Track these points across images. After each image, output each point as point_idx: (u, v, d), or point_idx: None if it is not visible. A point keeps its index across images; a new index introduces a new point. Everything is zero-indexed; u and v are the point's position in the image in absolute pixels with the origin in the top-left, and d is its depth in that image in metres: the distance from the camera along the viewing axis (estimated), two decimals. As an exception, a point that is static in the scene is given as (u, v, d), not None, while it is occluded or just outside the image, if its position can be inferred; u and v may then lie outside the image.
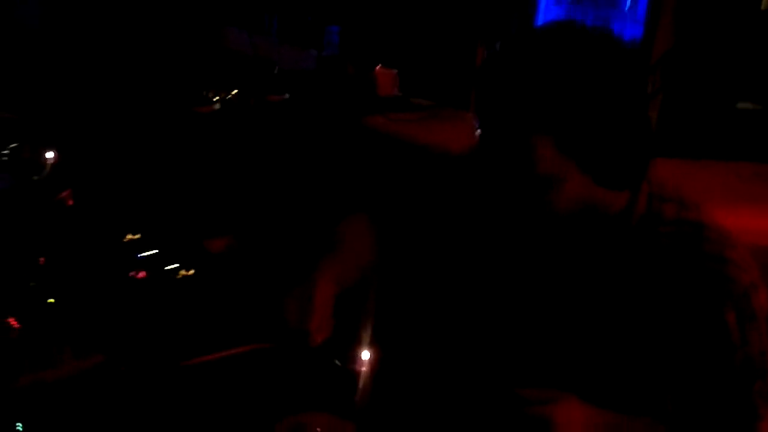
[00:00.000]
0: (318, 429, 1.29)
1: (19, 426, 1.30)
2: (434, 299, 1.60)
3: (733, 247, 1.23)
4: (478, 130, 1.22)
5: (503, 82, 1.16)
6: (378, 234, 1.53)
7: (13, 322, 1.52)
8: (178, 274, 1.73)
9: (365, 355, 1.43)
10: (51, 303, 1.59)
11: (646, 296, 1.24)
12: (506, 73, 1.16)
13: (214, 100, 3.01)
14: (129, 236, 1.85)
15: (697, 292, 1.20)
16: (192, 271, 1.74)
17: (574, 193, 1.18)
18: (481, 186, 1.36)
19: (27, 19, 3.68)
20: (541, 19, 3.60)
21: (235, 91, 3.09)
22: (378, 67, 3.28)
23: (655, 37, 3.27)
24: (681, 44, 3.15)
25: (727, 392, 1.22)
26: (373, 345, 1.43)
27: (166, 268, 1.74)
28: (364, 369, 1.41)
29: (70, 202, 2.03)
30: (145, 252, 1.80)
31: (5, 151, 2.17)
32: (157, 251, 1.79)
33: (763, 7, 3.29)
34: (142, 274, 1.71)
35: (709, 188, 2.46)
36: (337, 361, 1.42)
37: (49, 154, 2.18)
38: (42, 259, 1.73)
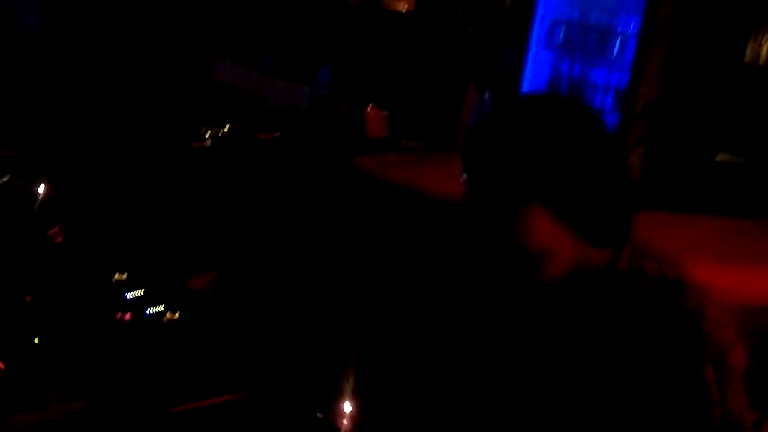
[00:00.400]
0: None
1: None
2: (420, 353, 1.62)
3: (711, 306, 1.26)
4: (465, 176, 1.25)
5: (490, 158, 1.20)
6: (364, 286, 1.55)
7: (-2, 362, 1.53)
8: (164, 317, 1.75)
9: (347, 407, 1.44)
10: (36, 343, 1.60)
11: (629, 352, 1.27)
12: (493, 148, 1.20)
13: (206, 136, 3.04)
14: (117, 276, 1.86)
15: (676, 348, 1.24)
16: (177, 314, 1.75)
17: (567, 257, 1.23)
18: (469, 248, 1.40)
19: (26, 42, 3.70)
20: (530, 63, 3.68)
21: (228, 126, 3.12)
22: (369, 108, 3.32)
23: (640, 86, 3.34)
24: (666, 94, 3.22)
25: None
26: (355, 398, 1.45)
27: (152, 311, 1.75)
28: (345, 422, 1.43)
29: (59, 239, 2.04)
30: (131, 292, 1.81)
31: (-4, 185, 2.18)
32: (143, 292, 1.81)
33: (746, 60, 3.37)
34: (128, 317, 1.72)
35: (693, 245, 2.51)
36: (319, 414, 1.44)
37: (41, 188, 2.20)
38: (29, 297, 1.74)
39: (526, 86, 3.64)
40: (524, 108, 1.27)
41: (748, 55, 3.35)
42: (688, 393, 1.25)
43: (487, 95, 3.12)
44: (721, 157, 3.41)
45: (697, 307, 1.25)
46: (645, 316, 1.26)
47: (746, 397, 1.27)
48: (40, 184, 2.17)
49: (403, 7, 3.77)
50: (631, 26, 3.42)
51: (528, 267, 1.22)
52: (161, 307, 1.77)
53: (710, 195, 3.21)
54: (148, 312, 1.75)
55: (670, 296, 1.27)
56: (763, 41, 3.26)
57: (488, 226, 1.21)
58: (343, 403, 1.45)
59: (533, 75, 3.65)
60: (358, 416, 1.41)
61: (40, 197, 2.15)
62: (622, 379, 1.29)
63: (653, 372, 1.25)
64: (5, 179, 2.23)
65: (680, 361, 1.24)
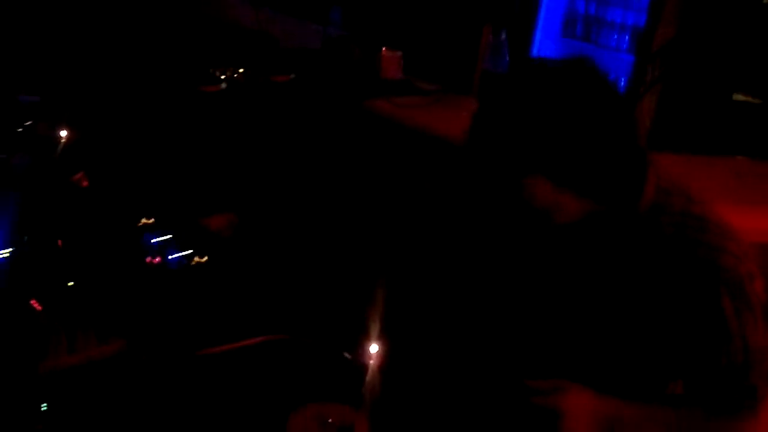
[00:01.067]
0: (330, 419, 1.36)
1: (44, 407, 1.36)
2: (444, 293, 1.67)
3: (733, 240, 1.30)
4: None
5: (496, 125, 1.23)
6: (387, 226, 1.58)
7: (35, 304, 1.58)
8: (192, 261, 1.79)
9: (373, 348, 1.49)
10: (71, 286, 1.64)
11: (649, 284, 1.31)
12: (498, 115, 1.23)
13: (221, 78, 3.03)
14: (144, 221, 1.90)
15: (696, 280, 1.28)
16: (205, 258, 1.79)
17: (574, 210, 1.26)
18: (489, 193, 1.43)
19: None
20: (545, 3, 3.63)
21: (241, 70, 3.11)
22: (383, 50, 3.30)
23: (658, 26, 3.30)
24: (683, 33, 3.18)
25: (727, 377, 1.30)
26: (382, 338, 1.49)
27: (180, 255, 1.79)
28: (372, 362, 1.48)
29: (85, 184, 2.07)
30: (158, 237, 1.85)
31: (20, 129, 2.20)
32: (171, 236, 1.84)
33: (765, 0, 3.32)
34: (157, 260, 1.76)
35: (707, 187, 2.52)
36: (346, 354, 1.49)
37: (63, 132, 2.22)
38: (60, 241, 1.78)
39: (540, 27, 3.61)
40: (529, 80, 1.28)
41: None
42: (707, 325, 1.28)
43: (503, 36, 3.10)
44: (737, 97, 3.38)
45: (719, 242, 1.29)
46: (666, 250, 1.29)
47: (766, 328, 1.31)
48: (62, 129, 2.19)
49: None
50: (649, -35, 3.36)
51: (536, 219, 1.25)
52: (189, 252, 1.81)
53: (726, 136, 3.20)
54: (176, 256, 1.79)
55: (693, 231, 1.29)
56: (783, -20, 3.20)
57: (493, 193, 1.25)
58: (370, 344, 1.50)
59: (548, 15, 3.60)
60: (385, 356, 1.46)
61: (62, 141, 2.17)
62: (642, 311, 1.33)
63: (673, 304, 1.29)
64: (28, 124, 2.25)
65: (699, 294, 1.27)
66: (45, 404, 1.36)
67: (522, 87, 1.26)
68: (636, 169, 1.28)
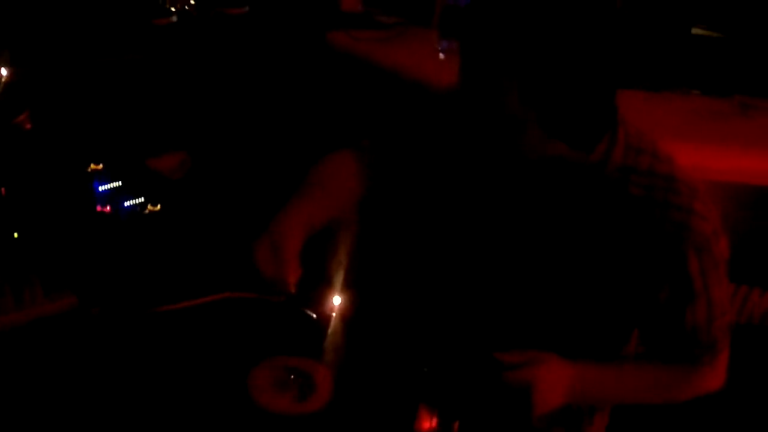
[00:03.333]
0: (292, 374, 1.33)
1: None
2: (409, 239, 1.63)
3: (699, 200, 1.28)
4: (441, 55, 1.24)
5: (481, 21, 1.17)
6: (358, 170, 1.52)
7: (-23, 257, 1.50)
8: (144, 210, 1.71)
9: (336, 300, 1.45)
10: (16, 238, 1.56)
11: (615, 243, 1.30)
12: (483, 11, 1.17)
13: (172, 11, 2.89)
14: (92, 166, 1.81)
15: (663, 241, 1.26)
16: (158, 207, 1.72)
17: (536, 141, 1.21)
18: (455, 125, 1.38)
19: None
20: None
21: (193, 1, 2.96)
22: (342, -20, 3.18)
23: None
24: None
25: (690, 334, 1.32)
26: (346, 290, 1.46)
27: (132, 202, 1.71)
28: (334, 314, 1.44)
29: (28, 126, 1.96)
30: (107, 184, 1.76)
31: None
32: (120, 183, 1.76)
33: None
34: (107, 209, 1.69)
35: (666, 126, 2.51)
36: (309, 312, 1.45)
37: (3, 70, 2.09)
38: (3, 189, 1.69)
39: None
40: None
41: None
42: (673, 285, 1.28)
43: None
44: (696, 31, 3.35)
45: (686, 201, 1.27)
46: (634, 210, 1.27)
47: (728, 284, 1.32)
48: (2, 66, 2.06)
49: None
50: None
51: (503, 132, 1.19)
52: (141, 199, 1.73)
53: (683, 70, 3.18)
54: (127, 205, 1.71)
55: (660, 191, 1.27)
56: None
57: (472, 92, 1.19)
58: (333, 295, 1.46)
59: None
60: (350, 308, 1.42)
61: (3, 80, 2.05)
62: (606, 269, 1.31)
63: (639, 263, 1.28)
64: (-37, 61, 2.11)
65: (665, 254, 1.26)
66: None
67: None
68: (607, 119, 1.23)
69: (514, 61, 1.12)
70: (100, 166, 1.81)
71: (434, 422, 1.25)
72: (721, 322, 1.33)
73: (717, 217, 1.30)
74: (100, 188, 1.73)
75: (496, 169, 1.35)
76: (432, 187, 1.51)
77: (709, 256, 1.27)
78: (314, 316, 1.43)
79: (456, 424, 1.25)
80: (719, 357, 1.37)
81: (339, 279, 1.49)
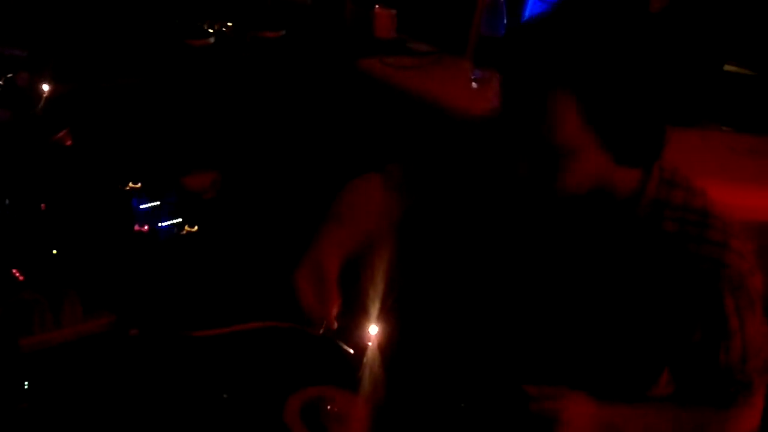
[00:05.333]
0: (328, 406, 1.32)
1: (27, 385, 1.30)
2: (443, 272, 1.62)
3: (734, 236, 1.26)
4: (474, 84, 1.23)
5: (531, 35, 1.15)
6: (386, 194, 1.51)
7: (16, 273, 1.51)
8: (182, 231, 1.72)
9: (373, 329, 1.44)
10: (55, 255, 1.57)
11: (649, 280, 1.28)
12: (535, 27, 1.16)
13: (209, 32, 2.92)
14: (131, 185, 1.82)
15: (697, 277, 1.24)
16: (196, 228, 1.73)
17: (589, 169, 1.19)
18: (489, 153, 1.37)
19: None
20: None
21: (230, 24, 3.00)
22: (376, 7, 3.21)
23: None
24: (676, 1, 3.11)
25: (725, 372, 1.29)
26: (382, 319, 1.44)
27: (170, 222, 1.72)
28: (371, 344, 1.43)
29: (68, 143, 1.98)
30: (146, 203, 1.77)
31: (1, 82, 2.09)
32: (159, 203, 1.77)
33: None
34: (145, 228, 1.69)
35: (704, 164, 2.49)
36: (345, 346, 1.43)
37: (45, 86, 2.12)
38: (42, 205, 1.70)
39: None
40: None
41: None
42: (707, 323, 1.26)
43: (502, -3, 3.00)
44: (729, 68, 3.34)
45: (721, 237, 1.25)
46: (668, 246, 1.25)
47: (764, 322, 1.29)
48: (44, 82, 2.09)
49: None
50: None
51: (549, 166, 1.18)
52: (178, 220, 1.74)
53: (715, 106, 3.17)
54: (165, 224, 1.72)
55: (695, 226, 1.26)
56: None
57: (518, 113, 1.17)
58: (369, 325, 1.45)
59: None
60: (386, 339, 1.41)
61: (44, 96, 2.07)
62: (640, 307, 1.30)
63: (672, 301, 1.26)
64: (9, 76, 2.14)
65: (701, 292, 1.24)
66: (27, 382, 1.30)
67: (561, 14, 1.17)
68: (661, 121, 1.21)
69: (579, 81, 1.10)
70: (139, 184, 1.83)
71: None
72: (756, 362, 1.30)
73: (752, 254, 1.28)
74: (140, 207, 1.74)
75: (530, 201, 1.33)
76: (465, 216, 1.50)
77: (744, 293, 1.25)
78: (351, 351, 1.42)
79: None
80: (754, 398, 1.33)
81: (375, 308, 1.47)
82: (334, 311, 1.28)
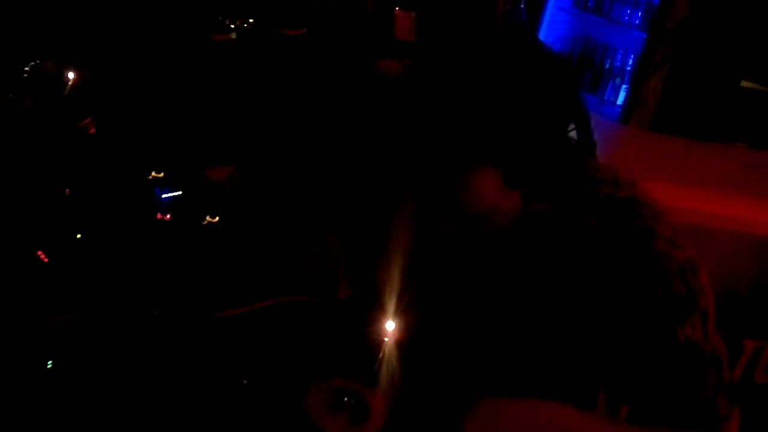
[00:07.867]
0: (347, 398, 1.33)
1: (50, 364, 1.33)
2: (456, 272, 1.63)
3: (664, 223, 1.20)
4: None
5: (432, 114, 1.09)
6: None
7: (41, 255, 1.53)
8: (203, 221, 1.74)
9: (390, 325, 1.46)
10: (79, 239, 1.60)
11: (585, 278, 1.22)
12: (436, 107, 1.09)
13: (231, 27, 2.94)
14: (153, 174, 1.84)
15: (626, 269, 1.17)
16: (217, 219, 1.75)
17: (512, 211, 1.22)
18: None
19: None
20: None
21: (252, 20, 3.02)
22: (396, 9, 3.23)
23: (672, 4, 3.24)
24: (696, 15, 3.13)
25: (676, 383, 1.17)
26: (399, 315, 1.46)
27: (191, 213, 1.74)
28: (387, 339, 1.45)
29: (92, 131, 2.01)
30: (168, 192, 1.79)
31: (26, 68, 2.12)
32: (180, 193, 1.79)
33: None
34: (168, 218, 1.72)
35: (718, 177, 2.51)
36: (362, 331, 1.45)
37: (70, 74, 2.14)
38: (68, 190, 1.73)
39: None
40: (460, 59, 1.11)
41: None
42: (642, 318, 1.17)
43: (522, 5, 3.03)
44: (745, 84, 3.35)
45: (648, 223, 1.19)
46: (593, 241, 1.21)
47: (716, 332, 1.19)
48: (70, 70, 2.11)
49: None
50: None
51: (475, 225, 1.22)
52: (199, 210, 1.76)
53: (730, 122, 3.18)
54: (187, 214, 1.74)
55: (618, 217, 1.21)
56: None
57: (434, 190, 1.19)
58: (386, 321, 1.46)
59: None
60: (403, 335, 1.42)
61: (70, 84, 2.10)
62: (575, 305, 1.24)
63: (605, 295, 1.20)
64: (35, 63, 2.17)
65: (630, 284, 1.17)
66: (51, 361, 1.32)
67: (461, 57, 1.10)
68: (568, 161, 1.21)
69: (494, 149, 1.10)
70: (161, 174, 1.85)
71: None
72: (716, 379, 1.17)
73: (690, 246, 1.19)
74: (162, 196, 1.76)
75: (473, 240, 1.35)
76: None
77: (680, 285, 1.15)
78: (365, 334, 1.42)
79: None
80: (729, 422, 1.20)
81: (392, 304, 1.49)
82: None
